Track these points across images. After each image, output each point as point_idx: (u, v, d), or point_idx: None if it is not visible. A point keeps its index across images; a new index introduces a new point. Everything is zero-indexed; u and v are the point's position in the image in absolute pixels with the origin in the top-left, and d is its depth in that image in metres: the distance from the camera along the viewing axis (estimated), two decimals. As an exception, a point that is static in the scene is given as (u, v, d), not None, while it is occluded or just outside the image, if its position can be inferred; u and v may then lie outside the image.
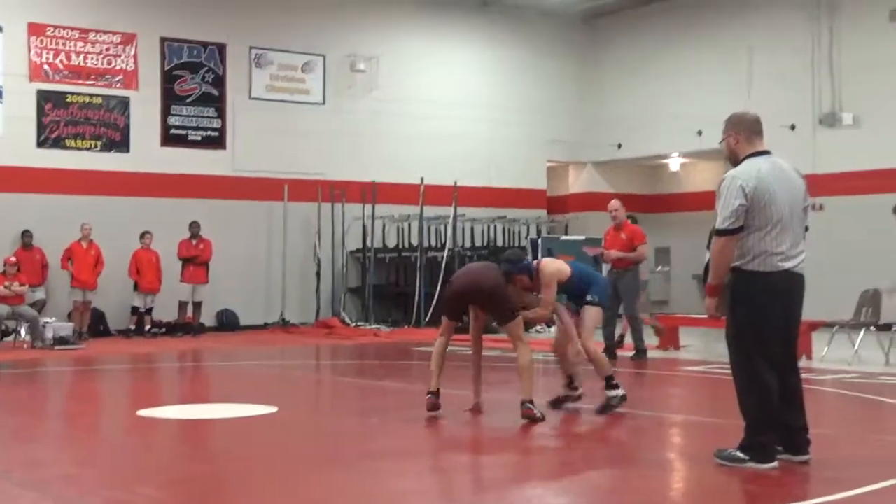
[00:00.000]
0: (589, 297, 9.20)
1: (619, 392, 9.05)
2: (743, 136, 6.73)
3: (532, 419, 8.51)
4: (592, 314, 9.21)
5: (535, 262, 9.22)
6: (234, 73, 21.16)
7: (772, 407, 6.50)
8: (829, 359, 13.67)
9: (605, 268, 14.55)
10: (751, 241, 6.50)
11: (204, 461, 7.47)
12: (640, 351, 14.24)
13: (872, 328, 14.08)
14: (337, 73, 22.23)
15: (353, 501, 5.95)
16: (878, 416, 9.88)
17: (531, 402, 8.61)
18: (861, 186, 19.33)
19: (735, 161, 6.74)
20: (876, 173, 19.60)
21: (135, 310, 19.06)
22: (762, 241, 6.49)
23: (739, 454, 6.52)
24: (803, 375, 6.90)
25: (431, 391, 8.90)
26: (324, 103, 22.11)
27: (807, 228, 6.76)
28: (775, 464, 6.48)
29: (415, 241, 22.06)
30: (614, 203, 14.45)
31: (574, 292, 9.29)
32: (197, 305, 19.51)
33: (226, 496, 6.28)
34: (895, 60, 19.61)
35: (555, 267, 9.13)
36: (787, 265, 6.53)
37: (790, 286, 6.59)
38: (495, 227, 23.42)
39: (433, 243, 22.43)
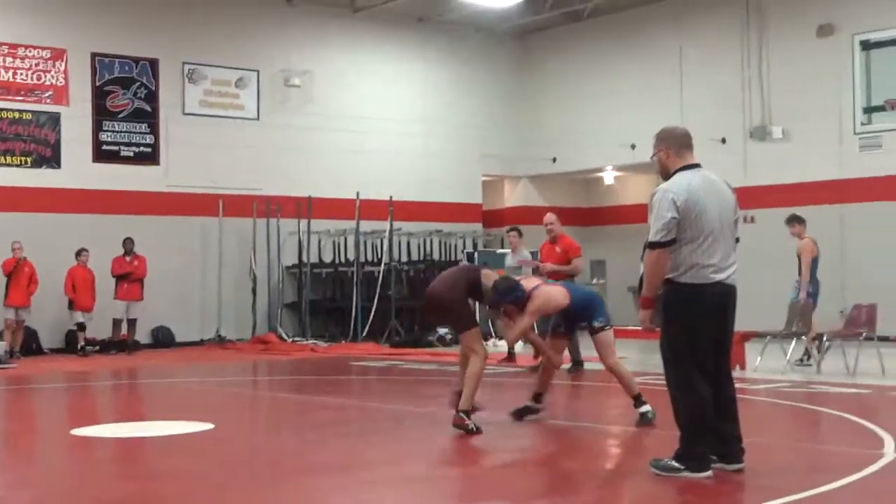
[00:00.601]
0: (596, 324, 9.28)
1: (649, 407, 9.06)
2: (673, 150, 6.81)
3: (463, 429, 8.53)
4: (608, 337, 9.29)
5: (530, 289, 9.17)
6: (167, 89, 21.00)
7: (706, 417, 6.57)
8: (761, 369, 13.85)
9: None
10: (683, 253, 6.58)
11: (140, 480, 7.39)
12: (577, 363, 14.35)
13: (803, 338, 14.31)
14: (271, 88, 22.16)
15: (291, 517, 5.93)
16: (810, 424, 10.04)
17: (467, 413, 8.63)
18: (790, 199, 19.60)
19: (666, 175, 6.82)
20: (804, 186, 19.94)
21: (77, 326, 18.75)
22: (694, 254, 6.57)
23: (675, 463, 6.59)
24: (737, 385, 7.01)
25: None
26: (258, 118, 22.03)
27: (737, 240, 6.84)
28: (710, 473, 6.55)
29: (351, 256, 22.02)
30: (550, 216, 14.55)
31: (574, 318, 9.43)
32: (131, 322, 19.30)
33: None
34: (823, 75, 19.98)
35: (543, 299, 9.10)
36: (719, 277, 6.61)
37: (722, 298, 6.67)
38: (431, 241, 23.47)
39: (369, 258, 22.41)
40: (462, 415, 8.63)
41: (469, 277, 9.06)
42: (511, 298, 9.00)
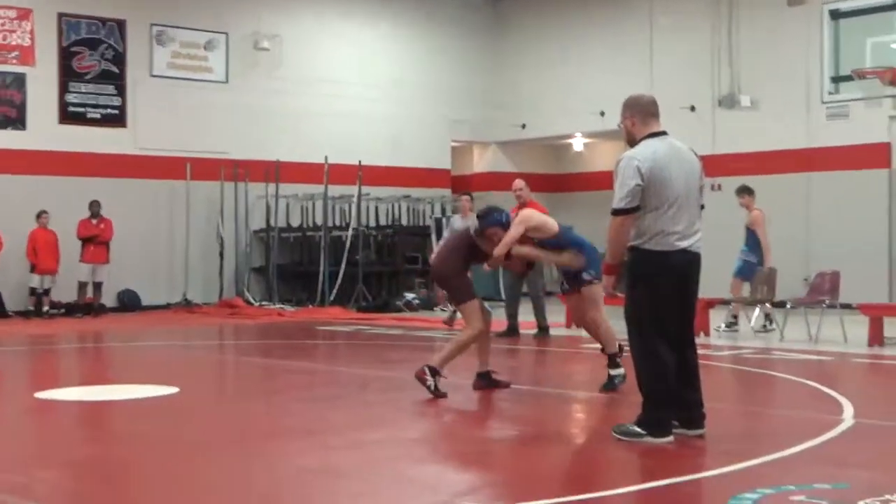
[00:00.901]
0: (587, 276, 9.07)
1: (622, 371, 8.93)
2: (638, 118, 6.83)
3: (422, 383, 8.55)
4: (597, 292, 8.93)
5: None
6: (135, 51, 20.79)
7: (668, 383, 6.63)
8: (725, 335, 13.98)
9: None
10: (647, 220, 6.61)
11: (103, 443, 7.40)
12: (543, 329, 14.41)
13: (768, 305, 14.45)
14: (240, 51, 21.98)
15: (254, 481, 5.94)
16: (771, 390, 10.15)
17: (434, 371, 8.61)
18: (758, 167, 19.73)
19: (632, 142, 6.85)
20: (772, 154, 20.04)
21: (32, 291, 18.72)
22: (658, 221, 6.60)
23: (637, 429, 6.65)
24: (700, 351, 7.07)
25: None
26: (227, 82, 21.86)
27: (702, 207, 6.88)
28: (671, 438, 6.62)
29: (319, 221, 21.98)
30: (518, 182, 14.51)
31: (573, 271, 9.16)
32: (97, 286, 19.21)
33: (126, 478, 6.22)
34: (792, 44, 20.01)
35: (528, 213, 9.07)
36: (683, 244, 6.65)
37: (686, 265, 6.71)
38: (400, 206, 23.44)
39: (338, 222, 22.37)
40: (427, 369, 8.62)
41: (468, 241, 9.01)
42: (492, 221, 8.84)
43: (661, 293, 6.65)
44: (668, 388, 6.63)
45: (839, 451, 6.70)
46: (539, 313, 14.43)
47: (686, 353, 6.75)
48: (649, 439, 6.58)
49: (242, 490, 5.75)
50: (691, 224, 6.70)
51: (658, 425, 6.61)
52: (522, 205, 14.42)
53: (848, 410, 8.04)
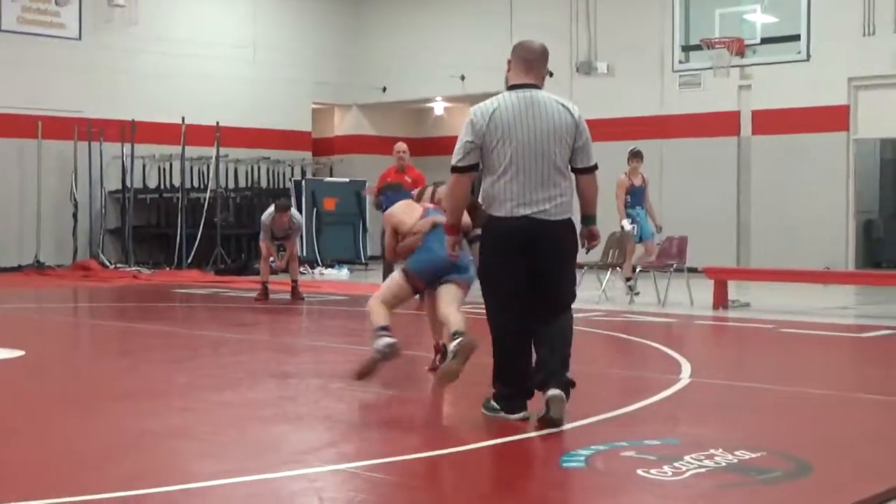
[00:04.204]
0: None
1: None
2: (514, 64, 6.31)
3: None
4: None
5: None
6: (-17, 4, 20.17)
7: (511, 356, 6.26)
8: (578, 298, 14.27)
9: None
10: (487, 182, 6.20)
11: (-58, 407, 7.24)
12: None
13: (618, 269, 14.83)
14: (93, 7, 21.40)
15: (99, 443, 5.91)
16: (614, 351, 10.45)
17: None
18: (613, 133, 20.09)
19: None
20: (627, 121, 20.48)
21: None
22: (496, 184, 6.13)
23: (493, 403, 6.35)
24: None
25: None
26: (80, 39, 21.32)
27: (589, 169, 6.27)
28: (524, 413, 6.23)
29: (177, 182, 21.68)
30: (402, 145, 15.14)
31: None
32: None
33: (-37, 441, 6.12)
34: (646, 13, 20.46)
35: (387, 217, 8.17)
36: (526, 211, 6.09)
37: (529, 232, 6.10)
38: (259, 168, 23.25)
39: (196, 184, 22.10)
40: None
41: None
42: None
43: (501, 260, 6.20)
44: (510, 357, 6.25)
45: (672, 409, 6.96)
46: None
47: (546, 321, 6.23)
48: (503, 415, 6.27)
49: (83, 451, 5.71)
50: (538, 188, 6.06)
51: (508, 399, 6.25)
52: (402, 168, 14.70)
53: (686, 370, 8.34)
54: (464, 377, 6.86)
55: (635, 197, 14.97)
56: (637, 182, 15.05)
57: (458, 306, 7.41)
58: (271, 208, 14.31)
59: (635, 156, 15.18)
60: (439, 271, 7.53)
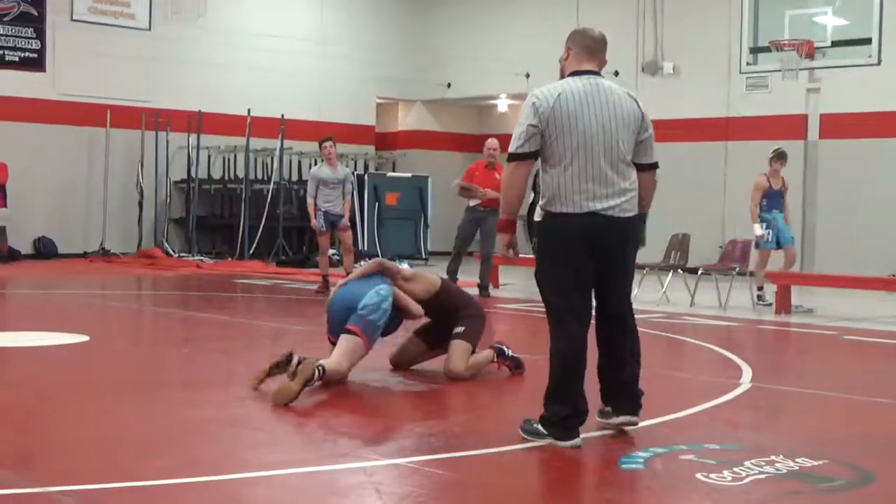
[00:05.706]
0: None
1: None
2: (574, 51, 5.85)
3: None
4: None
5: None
6: (55, -6, 20.45)
7: (574, 376, 5.62)
8: (639, 300, 14.15)
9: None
10: (550, 175, 5.62)
11: (8, 388, 7.35)
12: (484, 288, 14.57)
13: (680, 270, 14.68)
14: (164, -2, 21.68)
15: (157, 429, 5.97)
16: (674, 354, 10.36)
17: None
18: (679, 135, 19.96)
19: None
20: (692, 122, 20.30)
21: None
22: (562, 176, 5.57)
23: (538, 427, 5.67)
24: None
25: None
26: (150, 29, 21.53)
27: (652, 166, 5.91)
28: (577, 441, 5.58)
29: (241, 173, 21.85)
30: (493, 142, 14.82)
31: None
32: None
33: (28, 424, 6.21)
34: (713, 13, 20.25)
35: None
36: (596, 206, 5.56)
37: (598, 229, 5.58)
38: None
39: (259, 176, 22.26)
40: None
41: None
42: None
43: (566, 266, 5.61)
44: (573, 373, 5.61)
45: (733, 413, 6.89)
46: (486, 274, 14.68)
47: (613, 331, 5.83)
48: (550, 441, 5.60)
49: (141, 437, 5.77)
50: (607, 182, 5.57)
51: (564, 420, 5.59)
52: (491, 164, 14.55)
53: (747, 375, 8.26)
54: (527, 375, 6.82)
55: (773, 200, 14.07)
56: (777, 185, 14.20)
57: (348, 357, 7.12)
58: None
59: (780, 157, 14.16)
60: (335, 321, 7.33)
